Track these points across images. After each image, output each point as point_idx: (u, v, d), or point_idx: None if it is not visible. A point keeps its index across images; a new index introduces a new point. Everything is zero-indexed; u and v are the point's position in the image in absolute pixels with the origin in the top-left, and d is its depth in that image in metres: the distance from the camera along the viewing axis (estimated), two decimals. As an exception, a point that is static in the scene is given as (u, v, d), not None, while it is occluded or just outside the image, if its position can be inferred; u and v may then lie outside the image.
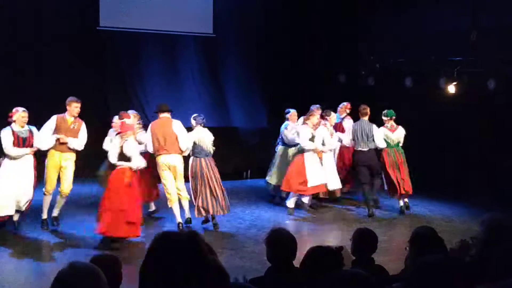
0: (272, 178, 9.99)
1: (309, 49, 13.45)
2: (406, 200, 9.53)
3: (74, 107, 8.04)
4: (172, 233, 1.87)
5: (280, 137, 10.14)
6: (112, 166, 7.51)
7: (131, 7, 12.53)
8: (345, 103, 10.58)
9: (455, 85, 10.34)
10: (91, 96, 11.52)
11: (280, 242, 3.57)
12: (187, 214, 8.15)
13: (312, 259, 3.15)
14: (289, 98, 12.61)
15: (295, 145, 9.54)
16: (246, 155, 12.98)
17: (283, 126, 10.00)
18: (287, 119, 10.01)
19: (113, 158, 7.40)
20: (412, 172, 9.47)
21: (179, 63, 13.23)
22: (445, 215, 9.50)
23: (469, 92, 10.18)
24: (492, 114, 10.19)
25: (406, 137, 9.54)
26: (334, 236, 8.13)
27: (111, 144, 7.85)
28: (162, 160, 8.03)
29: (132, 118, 8.24)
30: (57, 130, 7.94)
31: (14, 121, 7.60)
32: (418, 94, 11.02)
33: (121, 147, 7.35)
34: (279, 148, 10.09)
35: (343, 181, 9.80)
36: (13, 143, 7.50)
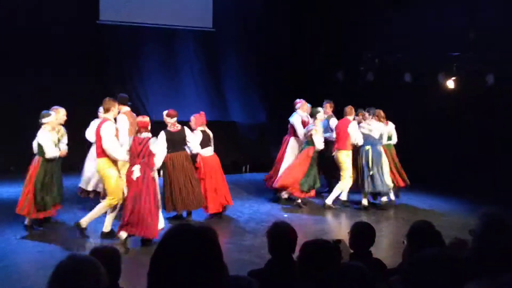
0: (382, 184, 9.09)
1: (309, 44, 13.44)
2: None
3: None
4: (187, 225, 1.90)
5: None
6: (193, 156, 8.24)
7: (131, 2, 12.51)
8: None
9: (454, 80, 10.35)
10: (90, 90, 11.55)
11: (281, 234, 3.60)
12: None
13: (306, 253, 3.17)
14: (288, 93, 12.61)
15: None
16: (244, 149, 12.98)
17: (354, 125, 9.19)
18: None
19: (199, 147, 8.19)
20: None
21: (178, 58, 13.23)
22: (443, 209, 9.52)
23: (468, 88, 10.19)
24: (491, 110, 10.21)
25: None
26: (333, 230, 8.15)
27: (193, 137, 8.16)
28: None
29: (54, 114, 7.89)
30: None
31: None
32: (417, 90, 11.03)
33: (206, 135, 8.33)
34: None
35: None
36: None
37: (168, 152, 7.79)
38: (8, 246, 6.90)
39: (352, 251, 4.03)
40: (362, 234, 4.10)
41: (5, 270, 6.06)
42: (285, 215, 8.90)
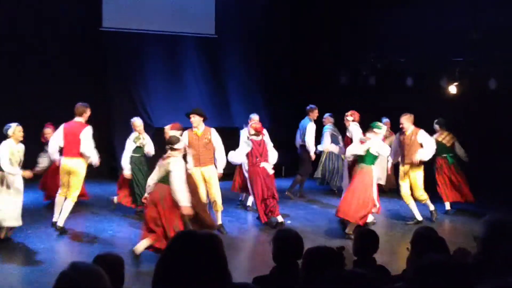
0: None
1: (310, 49, 13.46)
2: None
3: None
4: (193, 232, 1.90)
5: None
6: None
7: (134, 8, 12.55)
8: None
9: (456, 85, 10.33)
10: (92, 96, 11.55)
11: (286, 241, 3.58)
12: None
13: (310, 260, 3.15)
14: (290, 97, 12.62)
15: None
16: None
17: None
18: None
19: None
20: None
21: (181, 64, 13.25)
22: (446, 215, 9.47)
23: (470, 92, 10.16)
24: (493, 114, 10.19)
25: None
26: (337, 236, 8.11)
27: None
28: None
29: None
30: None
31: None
32: (419, 94, 11.01)
33: None
34: None
35: None
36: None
37: None
38: (10, 253, 6.90)
39: (355, 258, 4.02)
40: (366, 241, 4.09)
41: (8, 278, 6.06)
42: (288, 221, 8.87)
